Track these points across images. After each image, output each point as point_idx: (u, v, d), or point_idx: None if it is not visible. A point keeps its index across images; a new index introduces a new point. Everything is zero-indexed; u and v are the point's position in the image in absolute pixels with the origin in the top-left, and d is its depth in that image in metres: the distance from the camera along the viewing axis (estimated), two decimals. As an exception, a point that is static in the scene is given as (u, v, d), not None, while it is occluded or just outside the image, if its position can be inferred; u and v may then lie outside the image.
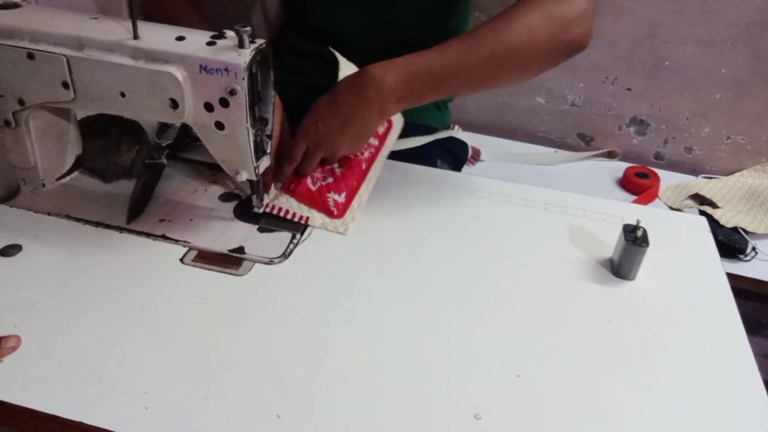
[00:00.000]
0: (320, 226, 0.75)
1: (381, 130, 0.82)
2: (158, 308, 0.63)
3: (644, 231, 0.70)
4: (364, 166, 0.80)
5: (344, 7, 0.99)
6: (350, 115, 0.72)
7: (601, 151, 1.41)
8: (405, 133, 0.99)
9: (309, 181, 0.77)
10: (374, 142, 0.82)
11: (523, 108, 1.41)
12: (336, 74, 0.83)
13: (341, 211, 0.76)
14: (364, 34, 1.01)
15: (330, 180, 0.78)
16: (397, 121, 0.83)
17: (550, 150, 1.43)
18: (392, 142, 0.82)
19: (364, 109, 0.72)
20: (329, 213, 0.76)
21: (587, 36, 0.75)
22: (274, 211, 0.75)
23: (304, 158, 0.78)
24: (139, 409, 0.54)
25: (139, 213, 0.76)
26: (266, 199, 0.76)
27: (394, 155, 0.88)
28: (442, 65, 0.71)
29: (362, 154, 0.80)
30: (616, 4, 1.27)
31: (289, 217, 0.75)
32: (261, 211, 0.75)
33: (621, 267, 0.71)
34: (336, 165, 0.79)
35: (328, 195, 0.76)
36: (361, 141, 0.77)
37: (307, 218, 0.75)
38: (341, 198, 0.77)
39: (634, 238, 0.69)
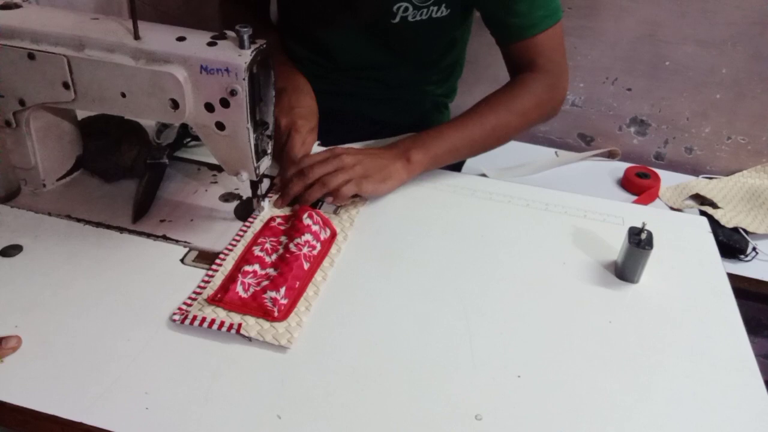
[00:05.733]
0: (256, 335, 0.60)
1: (324, 236, 0.73)
2: (159, 308, 0.63)
3: (649, 234, 0.69)
4: (306, 266, 0.68)
5: (339, 25, 0.99)
6: (385, 164, 0.81)
7: (601, 151, 1.41)
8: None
9: (240, 288, 0.64)
10: (316, 244, 0.71)
11: (524, 108, 1.40)
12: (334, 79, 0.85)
13: (283, 312, 0.62)
14: (358, 52, 1.02)
15: (265, 283, 0.65)
16: (341, 230, 0.75)
17: (551, 150, 1.43)
18: (335, 251, 0.72)
19: (394, 167, 0.81)
20: (268, 315, 0.62)
21: (562, 104, 0.95)
22: (195, 323, 0.61)
23: (320, 182, 0.77)
24: (139, 410, 0.54)
25: (143, 213, 0.76)
26: (193, 310, 0.63)
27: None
28: (455, 141, 0.85)
29: (300, 249, 0.68)
30: (616, 4, 1.27)
31: (214, 327, 0.60)
32: (179, 321, 0.61)
33: (625, 269, 0.71)
34: (271, 269, 0.67)
35: (264, 296, 0.63)
36: (386, 186, 0.80)
37: (239, 325, 0.61)
38: (281, 296, 0.63)
39: (638, 241, 0.69)
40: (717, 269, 0.75)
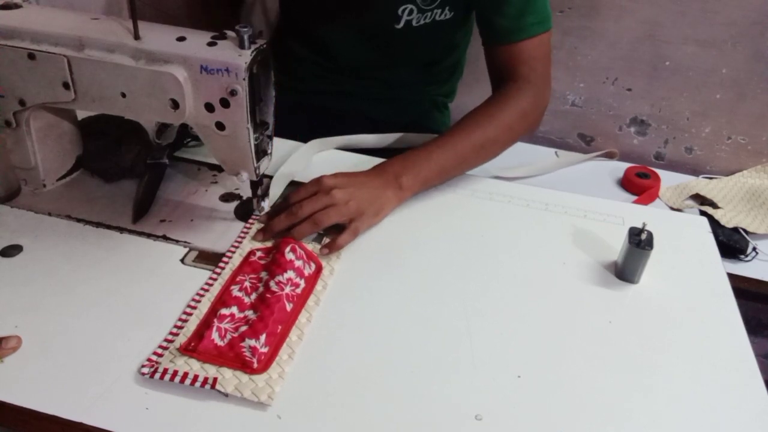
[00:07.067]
0: (233, 392, 0.55)
1: (308, 271, 0.68)
2: (159, 309, 0.63)
3: (649, 234, 0.69)
4: (289, 308, 0.63)
5: (341, 27, 0.99)
6: (376, 195, 0.77)
7: (599, 153, 1.41)
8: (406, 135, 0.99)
9: (215, 335, 0.59)
10: (300, 281, 0.66)
11: (524, 108, 1.40)
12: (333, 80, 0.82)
13: (263, 363, 0.57)
14: (359, 53, 1.02)
15: (244, 328, 0.60)
16: (326, 263, 0.70)
17: (551, 150, 1.43)
18: (321, 288, 0.68)
19: (385, 197, 0.78)
20: (246, 367, 0.57)
21: (542, 116, 0.94)
22: (165, 377, 0.55)
23: (311, 220, 0.72)
24: (139, 410, 0.54)
25: (144, 213, 0.76)
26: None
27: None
28: (444, 162, 0.83)
29: (282, 288, 0.63)
30: (616, 4, 1.26)
31: (187, 382, 0.55)
32: (148, 375, 0.56)
33: (625, 270, 0.71)
34: (250, 311, 0.62)
35: (242, 344, 0.58)
36: (379, 218, 0.77)
37: (215, 380, 0.55)
38: (261, 344, 0.58)
39: (638, 241, 0.69)
40: (717, 269, 0.75)
